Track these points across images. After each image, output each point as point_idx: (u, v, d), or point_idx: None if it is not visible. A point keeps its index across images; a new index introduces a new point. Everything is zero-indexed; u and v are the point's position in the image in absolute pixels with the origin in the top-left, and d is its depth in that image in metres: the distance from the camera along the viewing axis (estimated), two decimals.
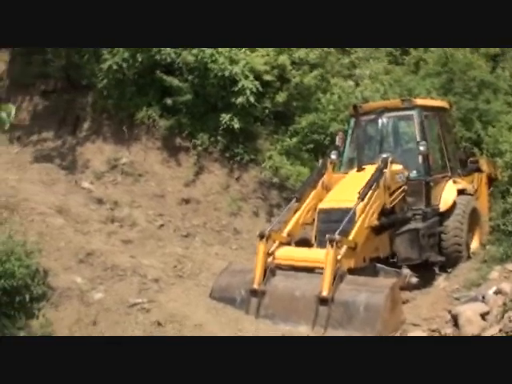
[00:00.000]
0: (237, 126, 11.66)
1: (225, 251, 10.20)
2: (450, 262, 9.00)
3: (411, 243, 8.55)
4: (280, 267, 7.71)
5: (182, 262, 9.09)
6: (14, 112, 4.54)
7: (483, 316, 6.82)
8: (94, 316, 7.30)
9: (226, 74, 11.50)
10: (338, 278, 7.08)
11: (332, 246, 7.10)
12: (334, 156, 9.37)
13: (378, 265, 8.18)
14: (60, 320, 7.35)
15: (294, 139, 11.86)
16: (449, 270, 8.91)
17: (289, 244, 8.19)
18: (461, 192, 9.47)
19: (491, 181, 10.96)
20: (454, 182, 9.47)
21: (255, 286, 7.48)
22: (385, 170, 8.24)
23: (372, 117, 9.49)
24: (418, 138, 8.97)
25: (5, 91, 14.45)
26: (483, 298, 7.14)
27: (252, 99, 11.43)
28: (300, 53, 12.22)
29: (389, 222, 8.48)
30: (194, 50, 11.55)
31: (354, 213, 7.73)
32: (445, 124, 9.97)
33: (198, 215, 11.49)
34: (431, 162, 9.09)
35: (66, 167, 12.43)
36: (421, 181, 8.98)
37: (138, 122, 12.75)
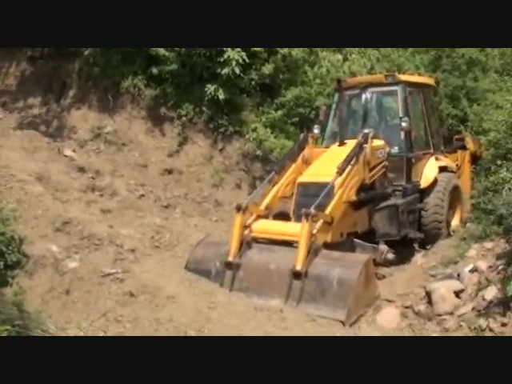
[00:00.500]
0: (222, 96, 11.53)
1: (204, 223, 10.16)
2: (429, 239, 8.99)
3: (390, 219, 8.51)
4: (256, 240, 7.68)
5: (160, 232, 9.04)
6: None
7: (457, 294, 6.86)
8: (68, 285, 7.27)
9: None
10: (312, 252, 7.05)
11: (307, 219, 7.05)
12: (316, 130, 9.30)
13: (356, 240, 8.16)
14: (34, 288, 7.31)
15: (280, 112, 11.74)
16: (428, 247, 8.91)
17: (266, 217, 8.15)
18: (443, 169, 9.43)
19: (476, 159, 10.92)
20: (437, 158, 9.41)
21: (230, 259, 7.45)
22: (365, 146, 8.15)
23: (356, 91, 9.37)
24: (401, 114, 8.85)
25: None
26: (458, 275, 7.16)
27: (237, 70, 11.27)
28: None
29: (368, 197, 8.43)
30: None
31: (332, 187, 7.67)
32: (429, 101, 9.85)
33: (180, 186, 11.43)
34: (413, 138, 8.99)
35: (50, 134, 12.29)
36: (402, 157, 8.90)
37: (123, 90, 12.60)
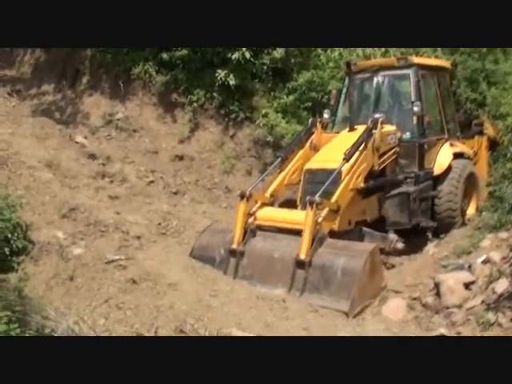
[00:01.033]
0: (232, 82, 11.38)
1: (213, 209, 10.06)
2: (442, 228, 8.69)
3: (401, 207, 8.27)
4: (261, 228, 7.55)
5: (167, 219, 8.97)
6: None
7: (468, 286, 6.59)
8: (72, 271, 7.23)
9: None
10: (317, 241, 6.89)
11: (312, 207, 6.88)
12: (326, 115, 9.08)
13: (365, 228, 7.97)
14: (38, 274, 7.32)
15: (291, 97, 11.52)
16: (441, 236, 8.64)
17: (271, 205, 8.00)
18: (458, 155, 9.11)
19: (496, 145, 10.55)
20: (451, 144, 9.09)
21: (234, 246, 7.35)
22: (374, 131, 7.92)
23: (367, 75, 9.10)
24: (413, 98, 8.53)
25: None
26: (469, 266, 6.91)
27: (248, 55, 11.09)
28: None
29: (377, 184, 8.20)
30: None
31: (339, 174, 7.48)
32: (444, 84, 9.51)
33: (191, 172, 11.35)
34: (426, 123, 8.70)
35: (63, 121, 12.35)
36: (414, 143, 8.60)
37: (134, 76, 12.59)
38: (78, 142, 11.49)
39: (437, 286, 6.74)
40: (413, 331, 6.14)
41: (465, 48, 11.42)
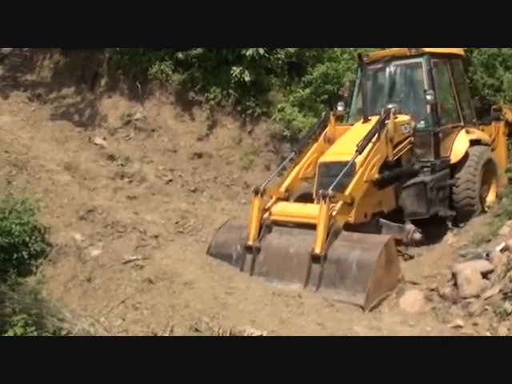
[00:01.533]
0: (247, 78, 11.37)
1: (232, 206, 10.06)
2: (461, 217, 8.58)
3: (418, 197, 8.18)
4: (276, 223, 7.53)
5: (185, 217, 9.01)
6: None
7: (485, 275, 6.47)
8: (89, 273, 7.33)
9: None
10: (332, 234, 6.86)
11: (325, 201, 6.85)
12: (340, 107, 9.06)
13: (381, 220, 7.91)
14: (56, 276, 7.42)
15: (307, 90, 11.47)
16: (461, 225, 8.52)
17: (286, 199, 7.99)
18: (475, 142, 8.96)
19: None
20: (467, 131, 8.94)
21: (250, 243, 7.35)
22: (387, 122, 7.84)
23: (379, 66, 9.03)
24: (426, 87, 8.45)
25: (27, 49, 14.49)
26: (487, 255, 6.78)
27: (262, 51, 11.06)
28: None
29: (392, 175, 8.12)
30: None
31: (353, 166, 7.43)
32: (457, 71, 9.36)
33: (209, 170, 11.37)
34: (440, 111, 8.57)
35: (82, 124, 12.47)
36: (429, 131, 8.52)
37: (151, 77, 12.64)
38: (97, 144, 11.60)
39: (454, 276, 6.63)
40: (429, 323, 6.07)
41: None
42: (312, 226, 7.01)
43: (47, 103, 13.39)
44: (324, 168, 7.95)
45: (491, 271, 6.48)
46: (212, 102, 11.99)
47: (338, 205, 7.08)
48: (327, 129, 8.63)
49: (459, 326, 5.82)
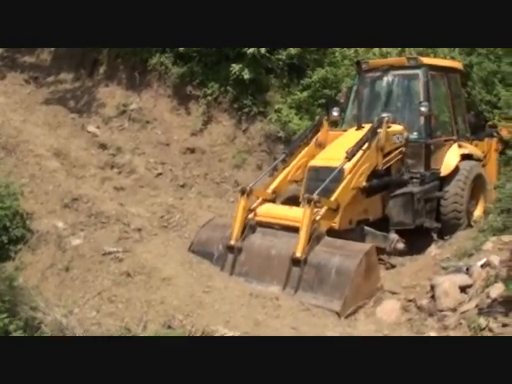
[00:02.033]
0: (247, 76, 11.28)
1: (219, 204, 9.97)
2: (447, 230, 8.58)
3: (405, 207, 8.16)
4: (261, 224, 7.48)
5: (171, 212, 8.93)
6: None
7: (464, 289, 6.47)
8: (68, 262, 7.29)
9: None
10: (314, 239, 6.83)
11: (309, 205, 6.81)
12: (335, 113, 9.05)
13: (366, 228, 7.88)
14: (35, 263, 7.41)
15: (305, 93, 11.41)
16: (446, 238, 8.50)
17: (273, 201, 7.95)
18: (467, 157, 8.95)
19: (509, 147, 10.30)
20: (460, 146, 8.94)
21: (232, 242, 7.29)
22: (379, 130, 7.81)
23: (377, 74, 9.02)
24: (421, 99, 8.45)
25: None
26: (467, 269, 6.76)
27: (263, 50, 10.99)
28: None
29: (381, 184, 8.10)
30: None
31: (341, 172, 7.39)
32: (454, 85, 9.34)
33: (201, 166, 11.28)
34: (434, 123, 8.58)
35: (77, 110, 12.38)
36: (421, 143, 8.51)
37: (150, 68, 12.56)
38: (89, 132, 11.53)
39: (433, 288, 6.63)
40: (403, 334, 6.03)
41: (482, 49, 11.19)
42: (296, 229, 6.97)
43: (43, 87, 13.29)
44: (313, 172, 7.92)
45: (470, 286, 6.48)
46: (209, 97, 11.90)
47: (323, 210, 7.05)
48: (319, 133, 8.60)
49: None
